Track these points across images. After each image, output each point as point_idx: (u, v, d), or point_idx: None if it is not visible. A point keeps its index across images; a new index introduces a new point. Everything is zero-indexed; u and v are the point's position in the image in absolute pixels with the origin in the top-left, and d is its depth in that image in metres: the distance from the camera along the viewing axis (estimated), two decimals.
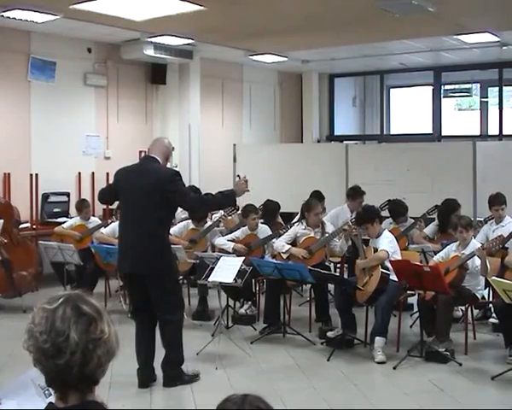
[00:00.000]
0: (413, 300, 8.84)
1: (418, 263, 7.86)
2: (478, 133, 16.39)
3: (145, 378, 6.65)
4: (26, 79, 11.90)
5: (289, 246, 8.92)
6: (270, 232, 9.47)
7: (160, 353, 6.72)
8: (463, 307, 8.06)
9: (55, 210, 11.96)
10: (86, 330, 2.22)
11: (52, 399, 2.35)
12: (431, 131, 16.21)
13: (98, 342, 2.24)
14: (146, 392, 6.51)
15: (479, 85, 17.38)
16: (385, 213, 10.08)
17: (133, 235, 6.51)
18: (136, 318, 6.84)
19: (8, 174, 11.53)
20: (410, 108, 18.08)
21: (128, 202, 6.60)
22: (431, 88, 16.36)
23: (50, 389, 2.41)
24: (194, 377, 6.81)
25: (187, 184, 8.24)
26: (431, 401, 6.38)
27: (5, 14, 10.18)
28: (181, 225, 9.77)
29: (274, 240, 9.26)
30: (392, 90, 17.93)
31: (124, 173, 6.82)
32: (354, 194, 10.52)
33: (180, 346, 6.74)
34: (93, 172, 12.97)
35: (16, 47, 11.71)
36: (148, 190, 6.42)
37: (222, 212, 10.16)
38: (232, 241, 9.46)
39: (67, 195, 12.31)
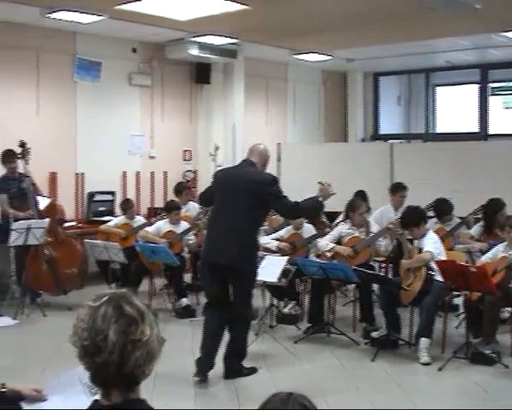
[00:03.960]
0: (459, 300, 8.76)
1: (464, 263, 7.77)
2: None
3: (203, 368, 6.77)
4: (71, 80, 12.03)
5: (333, 244, 8.89)
6: (315, 232, 9.44)
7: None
8: (510, 309, 7.96)
9: (101, 209, 12.08)
10: (125, 331, 2.23)
11: (98, 397, 2.38)
12: (477, 130, 16.03)
13: (137, 344, 2.24)
14: (190, 390, 6.53)
15: None
16: (430, 212, 10.00)
17: (225, 229, 6.74)
18: (207, 311, 7.01)
19: (55, 173, 11.66)
20: (455, 107, 17.88)
21: (224, 198, 6.87)
22: (477, 86, 16.17)
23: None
24: (252, 371, 7.01)
25: None
26: (476, 403, 6.30)
27: (51, 16, 10.32)
28: None
29: (318, 239, 9.24)
30: (437, 88, 17.74)
31: (223, 173, 7.37)
32: (393, 189, 10.62)
33: (246, 342, 6.99)
34: (138, 172, 13.06)
35: (62, 48, 11.83)
36: (244, 190, 6.71)
37: None
38: (276, 240, 9.46)
39: (112, 194, 12.42)
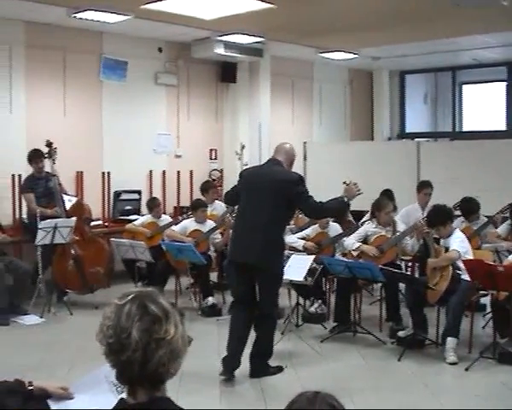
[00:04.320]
0: (486, 300, 8.70)
1: (491, 263, 7.71)
2: None
3: (229, 367, 6.77)
4: (98, 79, 12.08)
5: (360, 243, 8.86)
6: (341, 231, 9.42)
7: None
8: None
9: (127, 208, 12.12)
10: (148, 329, 2.23)
11: (124, 395, 2.38)
12: (505, 128, 15.91)
13: (161, 343, 2.24)
14: (216, 389, 6.54)
15: None
16: (457, 211, 9.93)
17: (251, 228, 6.75)
18: (233, 310, 7.05)
19: (81, 173, 11.71)
20: (482, 105, 17.76)
21: (250, 197, 6.89)
22: (504, 84, 16.06)
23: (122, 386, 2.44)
24: (278, 370, 7.00)
25: None
26: (503, 403, 6.26)
27: (78, 16, 10.37)
28: None
29: (344, 238, 9.21)
30: (464, 86, 17.63)
31: (250, 172, 7.35)
32: (419, 186, 10.68)
33: (272, 340, 6.98)
34: (164, 171, 13.08)
35: (88, 47, 11.89)
36: (271, 189, 6.70)
37: None
38: (303, 239, 9.45)
39: (139, 193, 12.45)
